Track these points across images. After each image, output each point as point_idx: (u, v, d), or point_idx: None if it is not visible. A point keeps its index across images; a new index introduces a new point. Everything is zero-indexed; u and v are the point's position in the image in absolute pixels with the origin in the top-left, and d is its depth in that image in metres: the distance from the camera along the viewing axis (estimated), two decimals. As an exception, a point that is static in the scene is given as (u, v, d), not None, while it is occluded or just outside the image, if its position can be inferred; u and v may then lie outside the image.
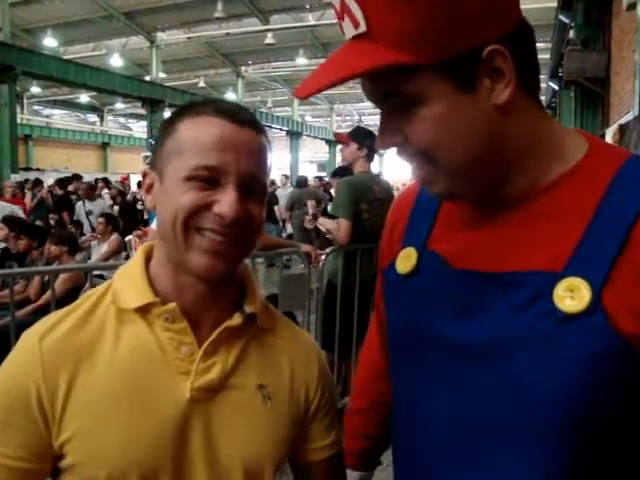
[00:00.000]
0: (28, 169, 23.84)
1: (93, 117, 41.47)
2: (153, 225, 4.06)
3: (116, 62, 25.56)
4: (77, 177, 12.12)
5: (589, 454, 0.78)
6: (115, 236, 6.82)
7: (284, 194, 11.98)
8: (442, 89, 0.78)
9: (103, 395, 0.88)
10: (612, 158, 0.83)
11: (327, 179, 16.86)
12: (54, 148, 35.69)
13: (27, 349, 0.90)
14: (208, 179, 0.88)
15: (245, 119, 0.92)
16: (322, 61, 0.86)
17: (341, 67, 0.79)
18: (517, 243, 0.84)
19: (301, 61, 26.10)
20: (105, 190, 13.72)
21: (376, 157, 4.41)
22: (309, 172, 28.02)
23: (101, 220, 6.95)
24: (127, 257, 6.68)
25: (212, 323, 0.95)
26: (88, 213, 8.98)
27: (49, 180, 16.43)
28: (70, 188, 11.81)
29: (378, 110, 0.86)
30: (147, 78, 24.18)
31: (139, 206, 11.84)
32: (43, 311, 4.14)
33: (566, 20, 12.32)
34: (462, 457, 0.86)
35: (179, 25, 23.79)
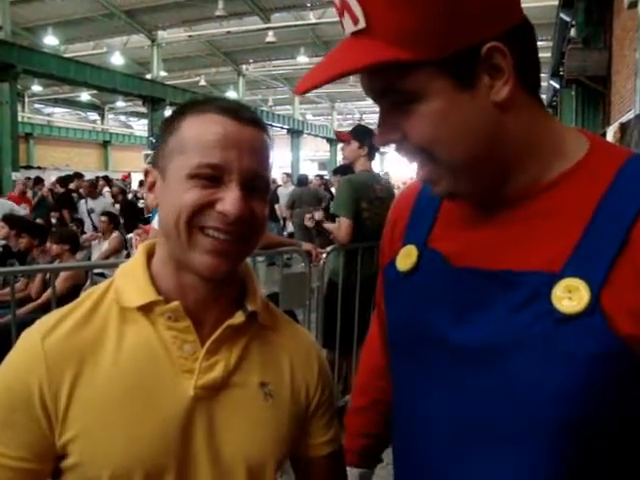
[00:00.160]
0: (29, 167, 23.85)
1: (94, 115, 41.46)
2: (154, 223, 4.06)
3: (117, 60, 25.57)
4: (79, 175, 12.12)
5: (587, 454, 0.78)
6: (116, 234, 6.83)
7: (285, 193, 11.97)
8: (441, 86, 0.78)
9: (107, 394, 0.88)
10: (613, 157, 0.83)
11: (328, 177, 16.88)
12: (55, 146, 35.67)
13: (30, 348, 0.89)
14: (211, 177, 0.88)
15: (248, 117, 0.92)
16: (323, 59, 0.86)
17: (340, 63, 0.80)
18: (517, 242, 0.83)
19: (302, 59, 26.09)
20: (106, 188, 13.73)
21: (377, 155, 4.40)
22: (310, 170, 27.97)
23: (104, 219, 6.95)
24: (128, 255, 6.68)
25: (214, 322, 0.95)
26: (90, 211, 8.97)
27: (51, 178, 16.42)
28: (71, 186, 11.81)
29: (379, 109, 0.86)
30: (148, 76, 24.20)
31: (140, 204, 11.85)
32: (44, 309, 4.15)
33: (567, 18, 12.31)
34: (462, 457, 0.86)
35: (180, 23, 23.81)
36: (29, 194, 11.98)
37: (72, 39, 24.79)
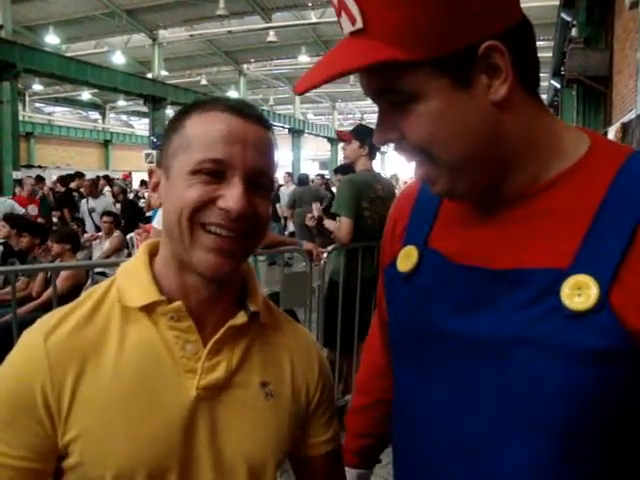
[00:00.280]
0: (30, 166, 23.88)
1: (95, 114, 41.50)
2: (154, 223, 4.07)
3: (118, 60, 25.60)
4: (80, 175, 12.12)
5: (592, 452, 0.78)
6: (117, 234, 6.82)
7: (287, 192, 11.97)
8: (438, 85, 0.78)
9: (109, 393, 0.88)
10: (614, 155, 0.83)
11: (328, 177, 16.87)
12: (56, 145, 35.71)
13: (32, 348, 0.89)
14: (214, 173, 0.87)
15: (253, 115, 0.92)
16: (324, 59, 0.86)
17: (338, 63, 0.80)
18: (517, 241, 0.83)
19: (303, 59, 26.10)
20: (107, 188, 13.73)
21: (378, 155, 4.40)
22: (311, 170, 27.97)
23: (107, 219, 6.94)
24: (129, 255, 6.68)
25: (216, 322, 0.95)
26: (91, 210, 8.98)
27: (52, 177, 16.43)
28: (72, 185, 11.81)
29: (377, 108, 0.86)
30: (149, 76, 24.22)
31: (141, 203, 11.85)
32: (45, 308, 4.15)
33: (568, 18, 12.31)
34: (462, 456, 0.86)
35: (181, 23, 23.82)
36: (19, 193, 11.98)
37: (73, 38, 24.81)
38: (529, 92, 0.83)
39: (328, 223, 4.30)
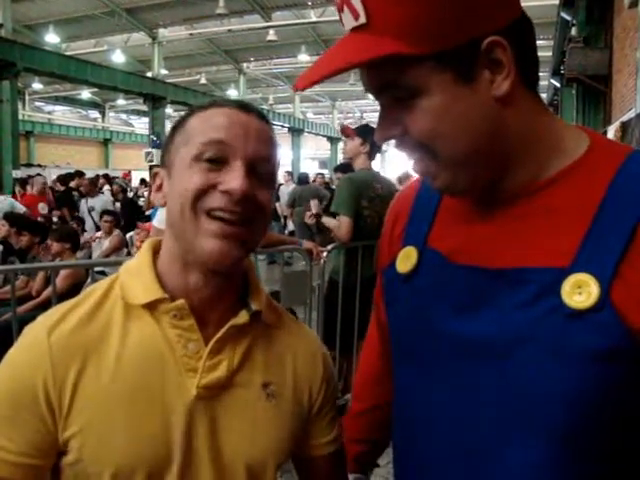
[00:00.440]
0: (29, 165, 23.84)
1: (95, 113, 41.46)
2: (155, 221, 4.06)
3: (118, 58, 25.57)
4: (80, 174, 12.11)
5: (593, 453, 0.78)
6: (117, 232, 6.82)
7: (287, 191, 11.97)
8: (441, 80, 0.78)
9: (110, 390, 0.88)
10: (614, 154, 0.83)
11: (328, 176, 16.85)
12: (56, 144, 35.69)
13: (35, 344, 0.89)
14: (216, 158, 0.88)
15: (255, 111, 0.94)
16: (324, 58, 0.86)
17: (341, 58, 0.79)
18: (517, 239, 0.83)
19: (303, 58, 26.07)
20: (107, 186, 13.72)
21: (378, 156, 4.40)
22: (311, 169, 27.97)
23: (107, 218, 6.94)
24: (129, 254, 6.68)
25: (218, 320, 0.95)
26: (90, 209, 8.97)
27: (52, 176, 16.41)
28: (72, 184, 11.80)
29: (379, 104, 0.86)
30: (149, 74, 24.18)
31: (140, 202, 11.84)
32: (44, 307, 4.15)
33: (568, 17, 12.30)
34: (462, 456, 0.85)
35: (181, 21, 23.78)
36: (30, 192, 11.96)
37: (73, 37, 24.77)
38: (529, 89, 0.84)
39: (326, 220, 4.30)
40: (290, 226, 12.16)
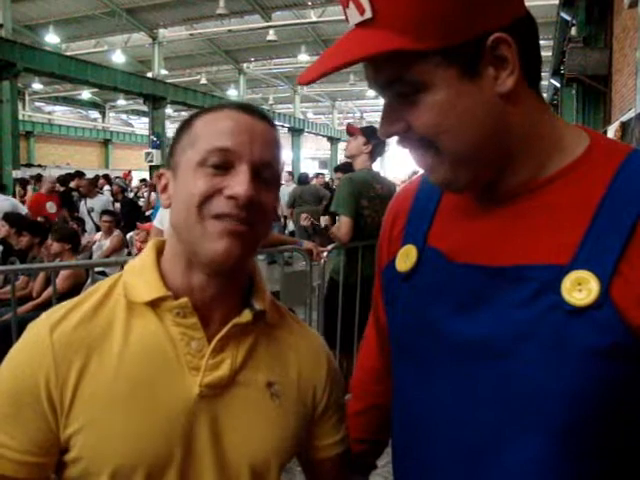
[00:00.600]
0: (30, 165, 23.86)
1: (95, 114, 41.44)
2: (155, 222, 4.06)
3: (118, 59, 25.54)
4: (80, 174, 12.10)
5: (594, 452, 0.77)
6: (117, 233, 6.82)
7: (287, 191, 11.97)
8: (446, 76, 0.78)
9: (112, 388, 0.88)
10: (614, 153, 0.83)
11: (328, 176, 16.84)
12: (56, 145, 35.68)
13: (38, 341, 0.89)
14: (221, 165, 0.88)
15: (260, 113, 0.94)
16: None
17: (347, 52, 0.80)
18: (519, 236, 0.83)
19: (303, 58, 26.04)
20: (107, 187, 13.71)
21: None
22: (311, 169, 27.93)
23: (107, 219, 6.93)
24: (129, 254, 6.68)
25: (221, 319, 0.95)
26: (90, 210, 8.97)
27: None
28: (72, 185, 11.80)
29: (379, 107, 0.86)
30: (149, 75, 24.15)
31: (140, 202, 11.83)
32: (44, 308, 4.15)
33: (568, 17, 12.30)
34: (463, 455, 0.85)
35: (181, 22, 23.76)
36: (30, 192, 11.96)
37: (73, 37, 24.76)
38: (532, 87, 0.84)
39: (323, 220, 4.30)
40: (290, 226, 12.16)
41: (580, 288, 0.75)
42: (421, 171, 0.93)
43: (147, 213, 10.40)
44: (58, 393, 0.87)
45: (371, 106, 38.86)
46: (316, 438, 1.08)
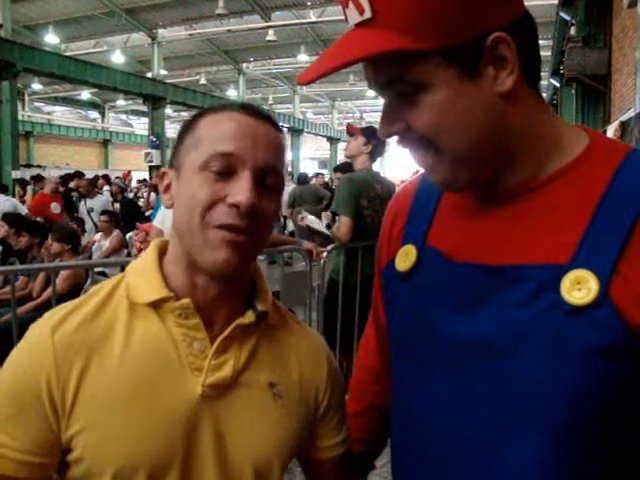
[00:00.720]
0: (29, 166, 23.86)
1: (94, 114, 41.44)
2: (155, 222, 4.07)
3: (117, 59, 25.56)
4: (79, 174, 12.10)
5: (594, 452, 0.77)
6: (116, 233, 6.82)
7: (287, 191, 11.98)
8: (447, 76, 0.78)
9: (113, 389, 0.88)
10: (614, 152, 0.83)
11: (328, 176, 16.83)
12: (55, 145, 35.69)
13: (40, 342, 0.89)
14: (224, 170, 0.88)
15: (264, 115, 0.94)
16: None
17: (346, 52, 0.79)
18: (518, 235, 0.83)
19: (302, 58, 26.06)
20: (106, 187, 13.71)
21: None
22: (310, 169, 27.93)
23: (104, 218, 6.93)
24: (128, 254, 6.68)
25: (223, 320, 0.95)
26: (89, 210, 8.97)
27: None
28: (71, 185, 11.80)
29: (379, 107, 0.86)
30: (148, 75, 24.16)
31: (140, 203, 11.82)
32: (44, 308, 4.15)
33: (567, 17, 12.31)
34: (462, 455, 0.85)
35: (180, 22, 23.78)
36: (30, 192, 11.96)
37: (73, 37, 24.78)
38: (531, 86, 0.84)
39: (324, 217, 4.30)
40: (290, 226, 12.15)
41: (579, 287, 0.75)
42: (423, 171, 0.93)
43: (147, 213, 10.40)
44: (59, 394, 0.87)
45: (371, 106, 38.88)
46: (317, 439, 1.08)
